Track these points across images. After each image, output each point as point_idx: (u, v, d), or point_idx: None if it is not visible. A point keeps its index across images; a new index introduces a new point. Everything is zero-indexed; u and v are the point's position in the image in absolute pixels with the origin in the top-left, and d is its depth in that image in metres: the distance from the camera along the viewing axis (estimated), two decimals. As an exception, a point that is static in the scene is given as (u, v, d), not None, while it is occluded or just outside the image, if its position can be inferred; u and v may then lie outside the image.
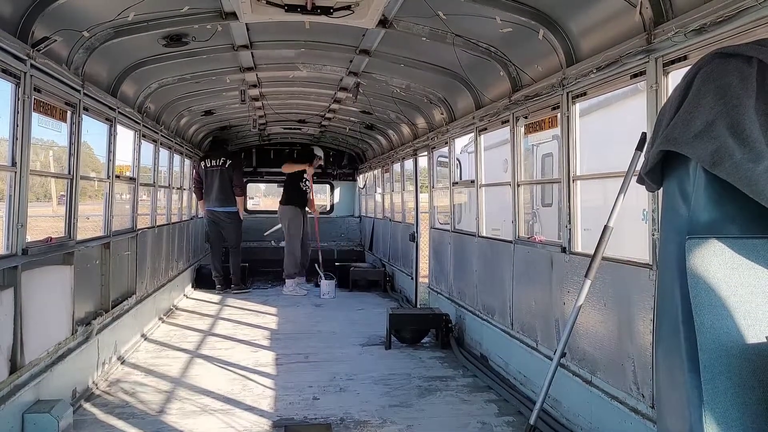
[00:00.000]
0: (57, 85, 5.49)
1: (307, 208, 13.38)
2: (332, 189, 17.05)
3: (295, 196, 13.08)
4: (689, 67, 1.62)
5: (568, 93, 5.41)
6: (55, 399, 5.19)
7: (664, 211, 1.64)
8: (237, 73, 8.31)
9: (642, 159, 3.39)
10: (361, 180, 16.80)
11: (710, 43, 3.66)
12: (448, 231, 9.34)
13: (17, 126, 4.83)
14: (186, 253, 12.23)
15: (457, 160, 12.26)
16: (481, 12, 5.42)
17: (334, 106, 10.70)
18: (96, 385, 6.44)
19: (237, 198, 12.71)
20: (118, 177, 7.63)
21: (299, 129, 14.01)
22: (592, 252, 4.27)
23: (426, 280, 11.01)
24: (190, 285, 12.78)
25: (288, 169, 13.15)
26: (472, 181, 8.16)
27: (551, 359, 4.62)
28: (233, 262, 12.90)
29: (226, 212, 12.71)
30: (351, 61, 7.79)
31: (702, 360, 1.37)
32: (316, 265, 13.05)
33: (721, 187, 1.44)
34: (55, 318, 5.71)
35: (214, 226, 12.93)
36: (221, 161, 12.62)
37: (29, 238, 5.13)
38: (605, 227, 4.15)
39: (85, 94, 6.10)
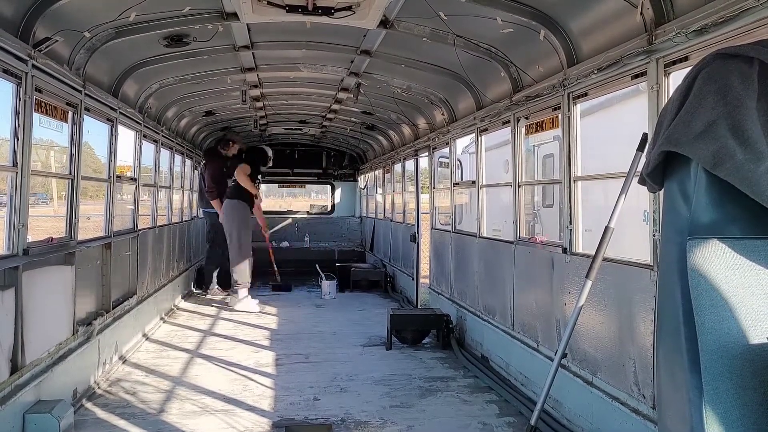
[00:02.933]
0: (58, 86, 5.50)
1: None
2: (333, 189, 17.07)
3: (244, 191, 11.23)
4: (690, 67, 1.62)
5: (569, 93, 5.40)
6: (56, 399, 5.19)
7: (664, 212, 1.63)
8: (238, 74, 8.32)
9: (643, 160, 3.39)
10: (362, 180, 16.79)
11: (711, 44, 3.66)
12: (449, 232, 9.33)
13: (18, 126, 4.83)
14: (187, 253, 12.23)
15: (458, 160, 12.24)
16: (482, 12, 5.42)
17: (335, 106, 10.70)
18: (97, 384, 6.44)
19: (212, 201, 11.82)
20: (119, 177, 7.64)
21: (300, 129, 14.02)
22: (593, 253, 4.27)
23: (427, 281, 11.01)
24: (192, 285, 12.77)
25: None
26: (473, 182, 8.16)
27: (552, 360, 4.61)
28: (204, 264, 12.39)
29: (203, 212, 12.68)
30: (352, 62, 7.79)
31: (703, 361, 1.37)
32: (317, 266, 13.03)
33: (722, 188, 1.44)
34: (56, 318, 5.71)
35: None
36: (202, 162, 12.60)
37: (30, 238, 5.13)
38: (606, 228, 4.15)
39: (86, 94, 6.11)
